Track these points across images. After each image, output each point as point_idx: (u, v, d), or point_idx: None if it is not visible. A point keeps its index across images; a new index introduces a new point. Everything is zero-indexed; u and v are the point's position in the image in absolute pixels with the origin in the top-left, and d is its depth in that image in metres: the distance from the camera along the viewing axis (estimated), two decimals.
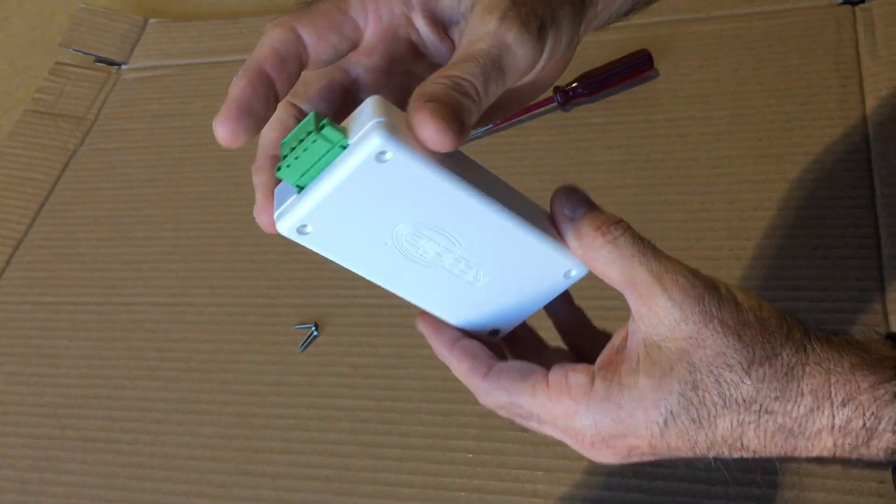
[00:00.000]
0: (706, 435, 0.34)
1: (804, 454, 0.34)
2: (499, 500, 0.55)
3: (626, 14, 0.43)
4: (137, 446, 0.64)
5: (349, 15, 0.34)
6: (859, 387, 0.33)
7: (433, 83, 0.31)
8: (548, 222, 0.37)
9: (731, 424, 0.34)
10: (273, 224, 0.34)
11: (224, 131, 0.33)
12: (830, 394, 0.33)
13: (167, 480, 0.62)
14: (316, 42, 0.34)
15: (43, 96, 0.91)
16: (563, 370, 0.36)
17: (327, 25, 0.34)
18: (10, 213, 0.82)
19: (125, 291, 0.74)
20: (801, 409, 0.33)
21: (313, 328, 0.67)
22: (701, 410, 0.34)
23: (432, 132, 0.30)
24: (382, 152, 0.31)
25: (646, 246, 0.35)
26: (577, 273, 0.37)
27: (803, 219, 0.63)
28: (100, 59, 0.94)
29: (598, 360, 0.37)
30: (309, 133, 0.31)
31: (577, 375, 0.36)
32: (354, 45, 0.35)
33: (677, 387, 0.34)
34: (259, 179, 0.36)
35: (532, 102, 0.73)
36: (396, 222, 0.34)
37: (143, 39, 0.95)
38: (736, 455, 0.35)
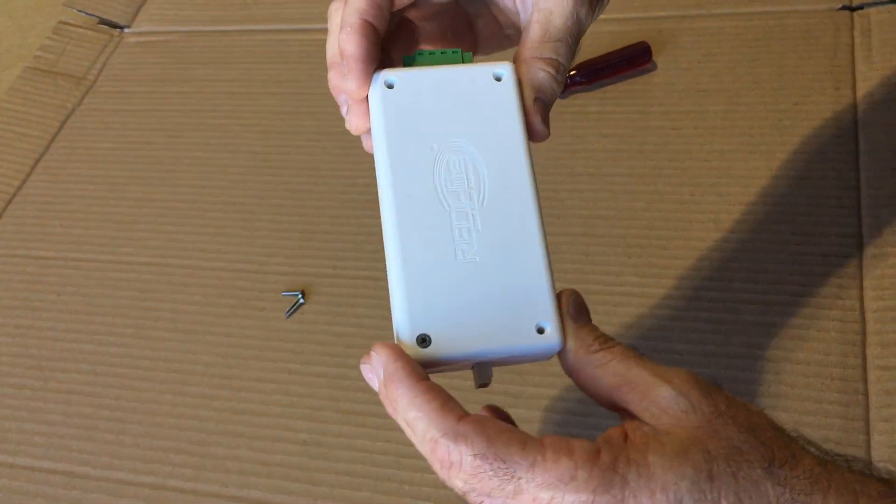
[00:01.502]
0: None
1: None
2: None
3: None
4: (119, 401, 0.65)
5: None
6: None
7: (538, 69, 0.38)
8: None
9: None
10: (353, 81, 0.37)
11: (355, 85, 0.37)
12: None
13: (147, 436, 0.62)
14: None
15: (44, 55, 0.92)
16: (560, 437, 0.31)
17: None
18: (5, 167, 0.82)
19: (116, 250, 0.75)
20: None
21: (300, 296, 0.68)
22: None
23: (540, 129, 0.38)
24: (500, 77, 0.38)
25: (641, 354, 0.33)
26: (549, 335, 0.34)
27: (789, 215, 0.64)
28: (103, 21, 0.95)
29: (600, 437, 0.32)
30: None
31: (581, 441, 0.31)
32: None
33: (691, 472, 0.29)
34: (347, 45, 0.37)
35: None
36: (458, 134, 0.37)
37: (147, 4, 0.96)
38: None
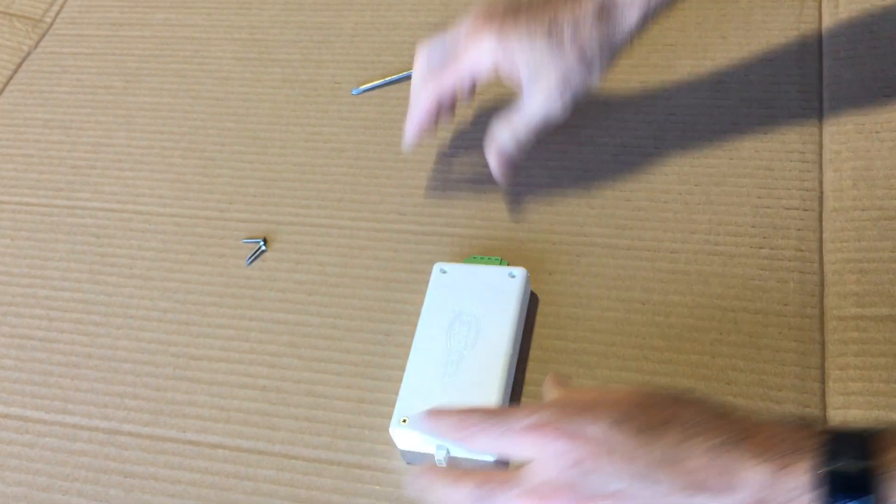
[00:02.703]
0: (646, 445, 0.38)
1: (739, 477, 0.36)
2: None
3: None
4: (74, 346, 0.63)
5: (468, 78, 0.58)
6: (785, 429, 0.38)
7: (504, 132, 0.59)
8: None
9: (675, 438, 0.37)
10: (411, 137, 0.62)
11: (409, 144, 0.62)
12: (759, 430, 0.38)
13: (102, 381, 0.61)
14: (452, 95, 0.60)
15: None
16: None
17: (457, 85, 0.59)
18: None
19: (71, 195, 0.73)
20: (736, 430, 0.38)
21: (261, 243, 0.67)
22: (650, 421, 0.38)
23: (496, 173, 0.62)
24: (513, 276, 0.58)
25: None
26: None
27: (751, 169, 0.65)
28: None
29: None
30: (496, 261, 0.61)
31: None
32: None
33: (636, 395, 0.40)
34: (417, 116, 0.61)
35: None
36: (474, 306, 0.56)
37: None
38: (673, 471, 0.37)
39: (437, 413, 0.45)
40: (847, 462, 0.34)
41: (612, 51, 0.57)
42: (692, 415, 0.37)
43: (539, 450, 0.39)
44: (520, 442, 0.40)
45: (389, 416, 0.54)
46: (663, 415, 0.37)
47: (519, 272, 0.58)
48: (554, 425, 0.38)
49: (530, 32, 0.55)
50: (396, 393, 0.54)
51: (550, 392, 0.46)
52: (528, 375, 0.57)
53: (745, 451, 0.36)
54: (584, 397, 0.40)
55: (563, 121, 0.58)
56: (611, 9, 0.55)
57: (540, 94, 0.56)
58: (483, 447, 0.42)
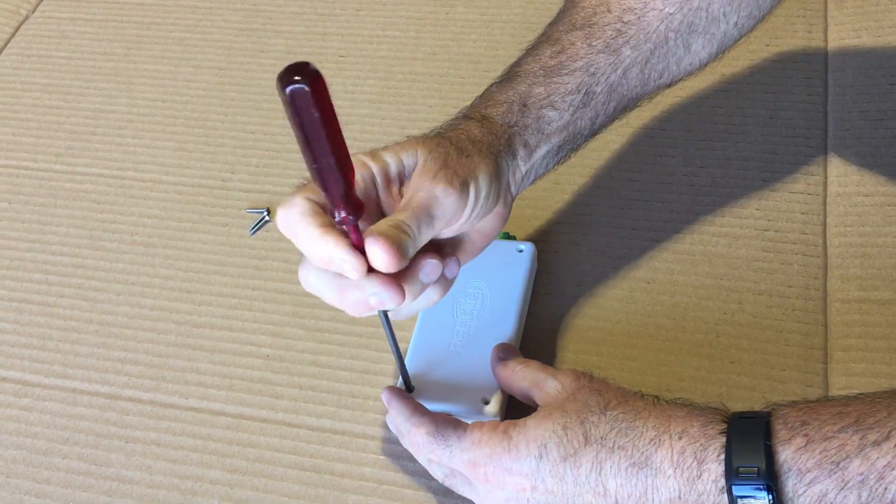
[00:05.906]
0: (572, 473, 0.43)
1: (654, 495, 0.42)
2: None
3: (556, 165, 0.54)
4: (74, 311, 0.63)
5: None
6: (692, 424, 0.42)
7: (382, 223, 0.42)
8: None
9: (591, 462, 0.43)
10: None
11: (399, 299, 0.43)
12: (669, 428, 0.42)
13: (103, 346, 0.61)
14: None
15: None
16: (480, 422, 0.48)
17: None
18: None
19: (71, 161, 0.72)
20: (645, 440, 0.43)
21: (265, 213, 0.66)
22: (568, 448, 0.44)
23: (380, 254, 0.41)
24: (521, 250, 0.58)
25: (546, 365, 0.51)
26: (491, 406, 0.52)
27: (757, 152, 0.65)
28: None
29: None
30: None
31: (490, 423, 0.47)
32: None
33: (551, 426, 0.45)
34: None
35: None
36: (483, 277, 0.56)
37: None
38: (599, 501, 0.43)
39: (399, 396, 0.51)
40: (748, 467, 0.40)
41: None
42: (607, 430, 0.44)
43: (480, 483, 0.47)
44: (462, 472, 0.47)
45: None
46: (580, 438, 0.44)
47: (527, 247, 0.58)
48: (488, 466, 0.46)
49: None
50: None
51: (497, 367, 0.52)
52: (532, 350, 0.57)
53: (657, 466, 0.42)
54: (509, 428, 0.46)
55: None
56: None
57: (424, 175, 0.45)
58: (429, 465, 0.49)
